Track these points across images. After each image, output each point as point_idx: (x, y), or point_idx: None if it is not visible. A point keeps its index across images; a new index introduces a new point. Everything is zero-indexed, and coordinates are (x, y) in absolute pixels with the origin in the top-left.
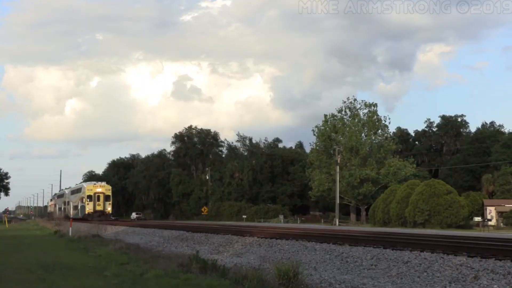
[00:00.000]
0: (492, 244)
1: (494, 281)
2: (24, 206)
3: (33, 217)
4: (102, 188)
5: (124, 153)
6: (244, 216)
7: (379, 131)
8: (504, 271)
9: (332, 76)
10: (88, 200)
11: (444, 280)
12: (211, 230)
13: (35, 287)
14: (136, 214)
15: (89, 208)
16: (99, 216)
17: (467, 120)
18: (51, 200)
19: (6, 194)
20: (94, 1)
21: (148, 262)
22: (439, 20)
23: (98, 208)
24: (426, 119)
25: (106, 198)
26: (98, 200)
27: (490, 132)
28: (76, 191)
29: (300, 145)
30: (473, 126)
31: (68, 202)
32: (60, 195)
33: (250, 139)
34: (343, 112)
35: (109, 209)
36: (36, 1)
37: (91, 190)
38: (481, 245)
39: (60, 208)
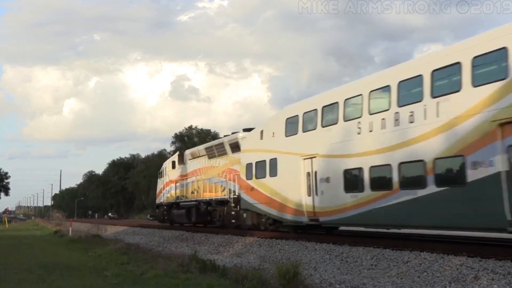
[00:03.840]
0: (492, 244)
1: (494, 281)
2: (24, 206)
3: (33, 217)
4: None
5: (124, 153)
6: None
7: None
8: (504, 271)
9: (330, 76)
10: None
11: (444, 280)
12: (211, 230)
13: (35, 287)
14: (111, 214)
15: None
16: None
17: None
18: (168, 173)
19: (6, 194)
20: (91, 2)
21: (148, 262)
22: (436, 20)
23: None
24: None
25: None
26: None
27: None
28: None
29: None
30: None
31: None
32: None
33: None
34: None
35: None
36: (34, 2)
37: None
38: (481, 245)
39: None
